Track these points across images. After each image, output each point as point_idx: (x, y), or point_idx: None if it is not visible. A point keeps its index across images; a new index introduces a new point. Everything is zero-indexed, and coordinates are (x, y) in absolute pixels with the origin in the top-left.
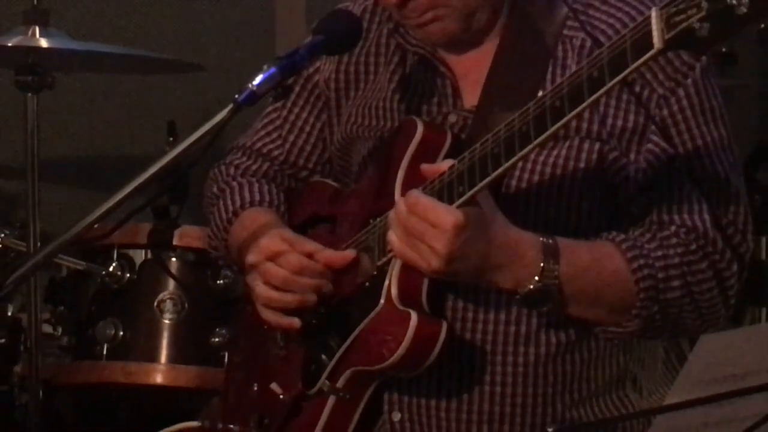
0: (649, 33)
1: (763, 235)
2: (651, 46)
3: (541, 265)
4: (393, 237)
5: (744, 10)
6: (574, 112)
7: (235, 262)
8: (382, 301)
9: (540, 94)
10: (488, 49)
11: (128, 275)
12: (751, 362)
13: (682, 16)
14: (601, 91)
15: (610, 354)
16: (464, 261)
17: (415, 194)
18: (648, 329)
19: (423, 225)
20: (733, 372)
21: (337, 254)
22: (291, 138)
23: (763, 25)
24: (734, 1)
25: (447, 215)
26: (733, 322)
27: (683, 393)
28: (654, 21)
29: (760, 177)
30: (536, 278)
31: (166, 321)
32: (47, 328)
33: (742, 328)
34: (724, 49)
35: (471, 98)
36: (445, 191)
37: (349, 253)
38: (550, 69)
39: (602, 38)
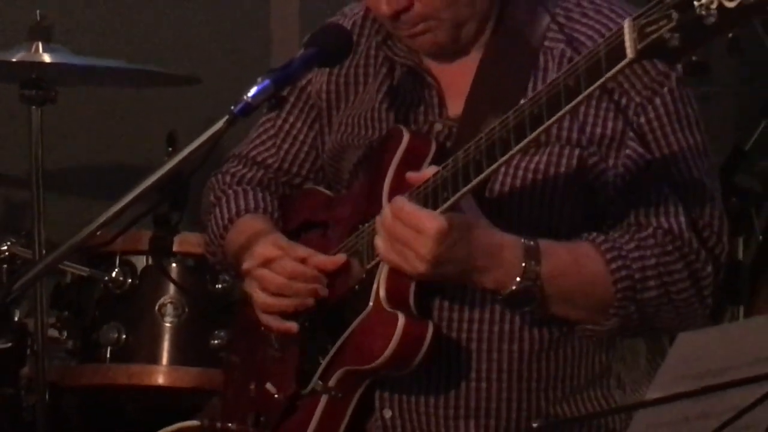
0: (622, 43)
1: (740, 236)
2: (624, 55)
3: (523, 265)
4: (379, 242)
5: (713, 20)
6: (551, 120)
7: (232, 267)
8: (370, 303)
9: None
10: (474, 59)
11: (130, 281)
12: (728, 358)
13: (654, 27)
14: (578, 99)
15: (593, 352)
16: (449, 264)
17: (400, 201)
18: (625, 327)
19: (408, 231)
20: (711, 368)
21: (329, 259)
22: (285, 146)
23: (731, 35)
24: (703, 12)
25: (431, 221)
26: (713, 321)
27: (663, 388)
28: (627, 31)
29: (737, 180)
30: (518, 279)
31: (167, 324)
32: (53, 333)
33: (719, 325)
34: (695, 58)
35: (456, 107)
36: (430, 197)
37: (340, 258)
38: (532, 78)
39: (582, 49)
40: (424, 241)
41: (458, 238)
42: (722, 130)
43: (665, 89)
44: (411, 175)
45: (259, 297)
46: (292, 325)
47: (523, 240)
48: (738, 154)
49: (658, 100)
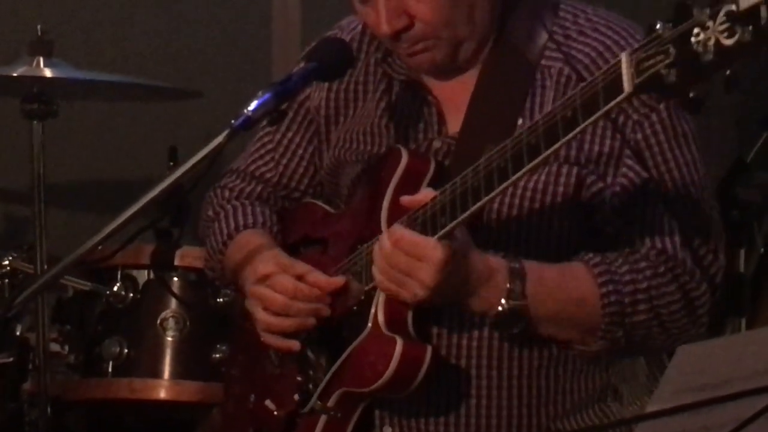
0: (620, 77)
1: (741, 248)
2: (621, 90)
3: (508, 287)
4: (377, 274)
5: (710, 57)
6: (549, 151)
7: (232, 282)
8: (369, 325)
9: (519, 121)
10: (472, 76)
11: (132, 295)
12: (728, 371)
13: (651, 62)
14: (575, 131)
15: (592, 369)
16: (446, 290)
17: (399, 229)
18: (613, 350)
19: (408, 260)
20: (710, 381)
21: (328, 280)
22: (284, 161)
23: (729, 72)
24: (700, 48)
25: (433, 249)
26: (714, 333)
27: (662, 402)
28: (624, 65)
29: (739, 192)
30: (503, 300)
31: (169, 338)
32: (55, 347)
33: (719, 338)
34: (692, 94)
35: (455, 125)
36: (428, 223)
37: (339, 280)
38: (529, 97)
39: (579, 67)
40: (426, 269)
41: (457, 266)
42: (723, 143)
43: (662, 105)
44: (406, 200)
45: (261, 316)
46: (294, 344)
47: (509, 263)
48: (739, 167)
49: (654, 117)
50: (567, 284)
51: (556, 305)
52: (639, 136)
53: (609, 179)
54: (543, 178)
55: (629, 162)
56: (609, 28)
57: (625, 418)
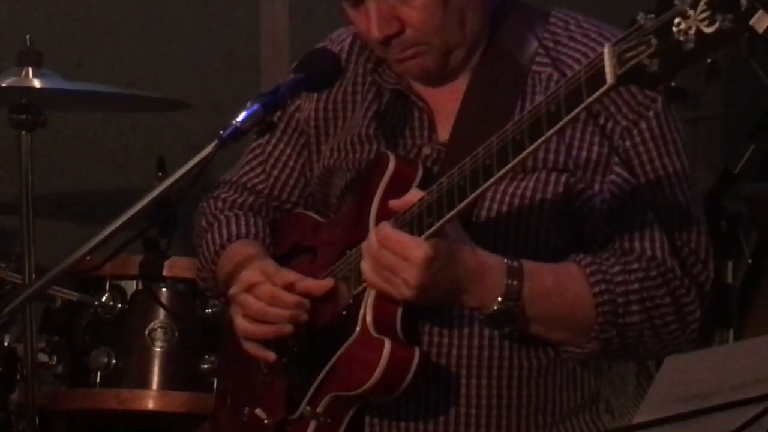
0: (602, 69)
1: (729, 260)
2: (604, 81)
3: (505, 285)
4: (366, 269)
5: (691, 46)
6: (533, 146)
7: (223, 294)
8: (357, 328)
9: None
10: (462, 83)
11: (120, 305)
12: (715, 382)
13: (633, 53)
14: (559, 124)
15: (582, 377)
16: (435, 289)
17: (385, 228)
18: (606, 351)
19: (394, 258)
20: (698, 392)
21: (316, 283)
22: (275, 173)
23: (710, 61)
24: (681, 38)
25: (416, 248)
26: (702, 345)
27: (650, 412)
28: (606, 57)
29: (725, 203)
30: (499, 298)
31: (157, 349)
32: (42, 357)
33: (705, 349)
34: (674, 84)
35: (445, 131)
36: (415, 223)
37: (327, 282)
38: (519, 103)
39: (568, 72)
40: (410, 268)
41: (443, 264)
42: (711, 154)
43: (651, 113)
44: (394, 203)
45: (239, 323)
46: (270, 355)
47: (506, 260)
48: (727, 178)
49: (644, 124)
50: (562, 284)
51: (550, 305)
52: (628, 143)
53: (597, 186)
54: (531, 185)
55: (618, 169)
56: (600, 35)
57: (613, 428)
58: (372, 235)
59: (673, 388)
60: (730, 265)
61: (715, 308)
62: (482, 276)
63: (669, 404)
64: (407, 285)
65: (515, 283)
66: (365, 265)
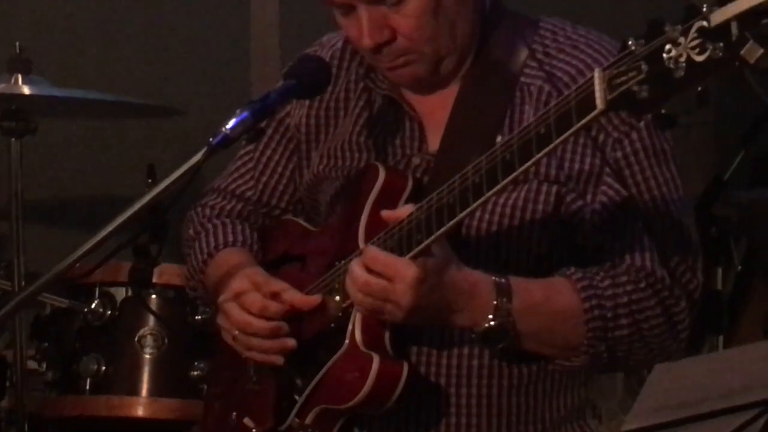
0: (593, 93)
1: (719, 266)
2: (594, 106)
3: (495, 303)
4: (354, 292)
5: (682, 73)
6: (522, 167)
7: (212, 302)
8: (346, 342)
9: (498, 138)
10: (453, 91)
11: (110, 312)
12: (705, 389)
13: (623, 78)
14: (548, 147)
15: (571, 386)
16: (425, 309)
17: (373, 251)
18: (596, 364)
19: (383, 283)
20: (687, 399)
21: (303, 299)
22: (263, 179)
23: (701, 88)
24: (672, 65)
25: (405, 269)
26: (692, 351)
27: (639, 419)
28: (597, 82)
29: (716, 210)
30: (490, 316)
31: (147, 356)
32: (32, 364)
33: (695, 357)
34: (663, 111)
35: (435, 140)
36: (404, 240)
37: (314, 299)
38: (508, 114)
39: (560, 85)
40: (400, 289)
41: (433, 284)
42: (701, 161)
43: (642, 124)
44: (387, 214)
45: (226, 329)
46: (252, 357)
47: (494, 278)
48: (717, 185)
49: (634, 135)
50: (552, 299)
51: (541, 321)
52: (619, 154)
53: (589, 197)
54: (523, 195)
55: (609, 180)
56: (589, 46)
57: None
58: (357, 262)
59: (663, 396)
60: (719, 271)
61: (705, 315)
62: (471, 294)
63: (659, 411)
64: (398, 307)
65: (504, 299)
66: (352, 288)
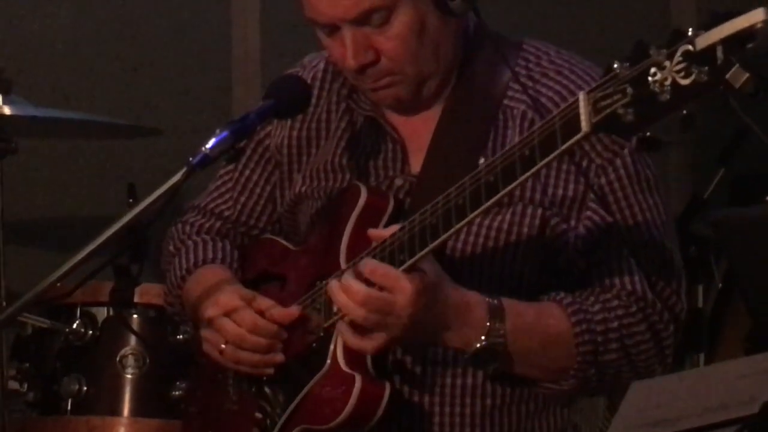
0: (578, 116)
1: (700, 284)
2: (579, 129)
3: (488, 324)
4: (356, 310)
5: (667, 97)
6: (506, 189)
7: (190, 318)
8: (328, 361)
9: (481, 161)
10: (435, 113)
11: (91, 332)
12: (684, 406)
13: (608, 101)
14: (533, 170)
15: (554, 407)
16: (422, 326)
17: (372, 263)
18: (584, 388)
19: (384, 295)
20: (664, 416)
21: (283, 311)
22: (242, 199)
23: (685, 112)
24: (657, 88)
25: (406, 281)
26: (673, 369)
27: None
28: (582, 104)
29: (694, 228)
30: (483, 338)
31: (128, 376)
32: (13, 385)
33: (672, 374)
34: (648, 134)
35: (417, 162)
36: (386, 260)
37: (293, 311)
38: (491, 137)
39: (544, 111)
40: (401, 301)
41: (430, 298)
42: (680, 179)
43: (626, 151)
44: (373, 232)
45: (213, 345)
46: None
47: (487, 299)
48: (696, 203)
49: (618, 162)
50: (543, 322)
51: (533, 343)
52: (603, 180)
53: (573, 222)
54: (508, 218)
55: (593, 206)
56: (572, 71)
57: None
58: (350, 280)
59: (641, 413)
60: (700, 289)
61: (686, 333)
62: (465, 313)
63: (636, 429)
64: (399, 319)
65: (497, 319)
66: (353, 309)
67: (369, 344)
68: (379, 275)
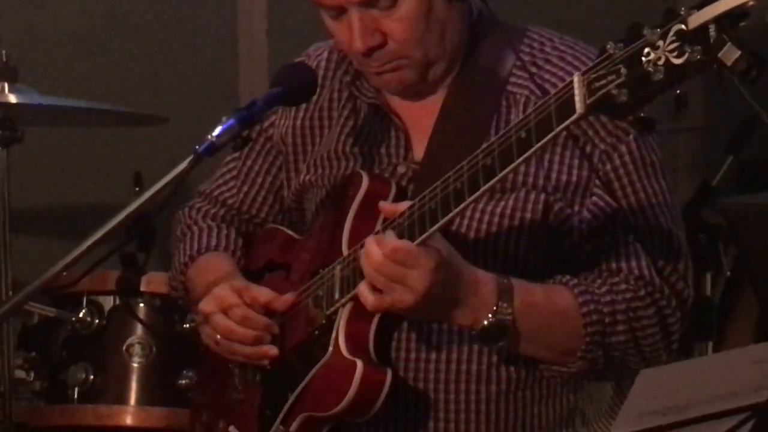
0: (572, 98)
1: (708, 272)
2: (574, 110)
3: (496, 301)
4: (370, 273)
5: (660, 76)
6: (504, 172)
7: (193, 303)
8: (330, 349)
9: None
10: (439, 99)
11: (97, 321)
12: (692, 394)
13: (603, 82)
14: (529, 152)
15: (560, 392)
16: (437, 298)
17: (392, 240)
18: (591, 371)
19: (399, 267)
20: (672, 404)
21: (279, 299)
22: (245, 189)
23: (679, 91)
24: (650, 68)
25: (425, 255)
26: (682, 357)
27: (625, 425)
28: (576, 86)
29: (704, 215)
30: (491, 315)
31: (135, 364)
32: (20, 374)
33: (680, 362)
34: (643, 114)
35: (420, 149)
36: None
37: (287, 298)
38: (494, 123)
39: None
40: (417, 274)
41: (447, 274)
42: (691, 166)
43: (630, 136)
44: (384, 206)
45: (209, 337)
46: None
47: (496, 277)
48: (705, 190)
49: (623, 148)
50: (551, 301)
51: (541, 321)
52: (608, 166)
53: (577, 207)
54: (511, 203)
55: (598, 192)
56: (575, 57)
57: None
58: (371, 244)
59: (649, 401)
60: (709, 277)
61: (695, 321)
62: (474, 290)
63: (644, 417)
64: (412, 291)
65: (505, 297)
66: (369, 272)
67: (386, 299)
68: (396, 251)
